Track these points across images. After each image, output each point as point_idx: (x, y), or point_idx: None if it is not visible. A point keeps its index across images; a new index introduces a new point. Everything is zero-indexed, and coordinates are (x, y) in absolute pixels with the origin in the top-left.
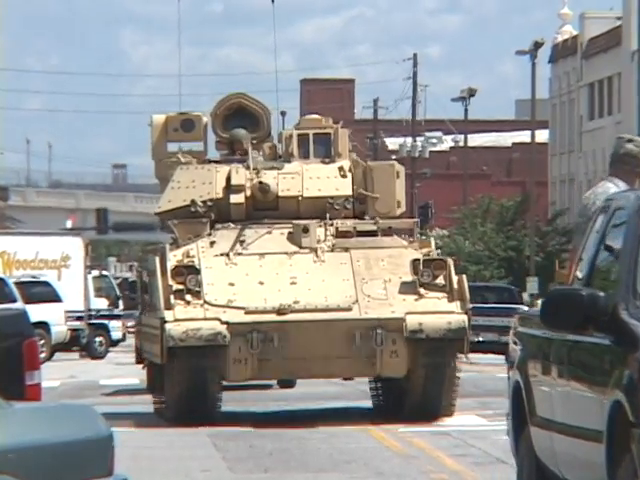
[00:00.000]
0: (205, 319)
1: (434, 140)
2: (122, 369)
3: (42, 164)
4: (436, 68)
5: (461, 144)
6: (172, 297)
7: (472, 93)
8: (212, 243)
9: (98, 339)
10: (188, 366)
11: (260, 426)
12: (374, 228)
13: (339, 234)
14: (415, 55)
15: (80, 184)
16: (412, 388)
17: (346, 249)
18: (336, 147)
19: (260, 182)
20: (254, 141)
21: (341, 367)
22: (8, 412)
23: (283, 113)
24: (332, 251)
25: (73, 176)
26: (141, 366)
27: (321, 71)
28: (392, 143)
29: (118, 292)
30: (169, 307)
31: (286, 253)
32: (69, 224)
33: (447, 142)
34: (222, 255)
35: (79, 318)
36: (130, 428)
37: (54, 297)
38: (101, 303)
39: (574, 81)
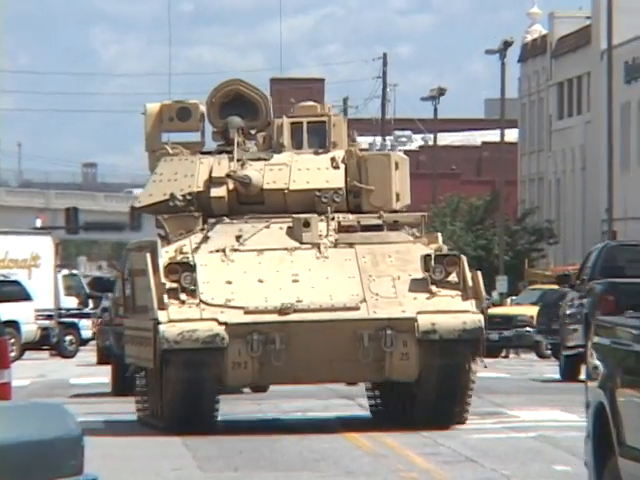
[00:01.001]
0: (202, 320)
1: (403, 139)
2: (92, 368)
3: (12, 163)
4: (406, 67)
5: (430, 143)
6: (165, 296)
7: (441, 92)
8: (206, 239)
9: (68, 338)
10: (183, 370)
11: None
12: (379, 222)
13: (341, 229)
14: (385, 54)
15: (50, 183)
16: (423, 393)
17: (350, 244)
18: (331, 136)
19: (227, 175)
20: (252, 130)
21: (347, 371)
22: None
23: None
24: (335, 247)
25: (43, 175)
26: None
27: (292, 70)
28: (361, 142)
29: (88, 291)
30: (162, 307)
31: (286, 249)
32: (39, 223)
33: (416, 141)
34: (218, 251)
35: (49, 317)
36: (101, 425)
37: (24, 296)
38: (71, 302)
39: (543, 80)
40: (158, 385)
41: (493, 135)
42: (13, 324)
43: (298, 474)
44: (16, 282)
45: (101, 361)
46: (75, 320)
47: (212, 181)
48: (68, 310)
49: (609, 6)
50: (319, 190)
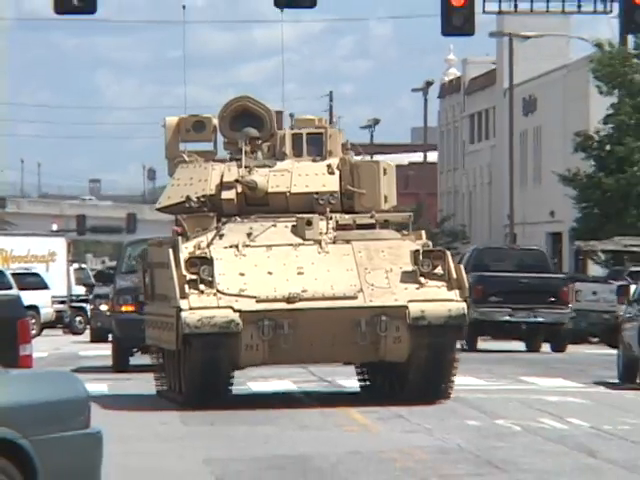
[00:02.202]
0: (218, 307)
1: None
2: (96, 344)
3: (33, 179)
4: (348, 102)
5: None
6: (186, 286)
7: (376, 122)
8: (221, 236)
9: (78, 318)
10: (202, 352)
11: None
12: (372, 221)
13: (339, 227)
14: (331, 92)
15: (63, 195)
16: (413, 372)
17: (347, 241)
18: (327, 146)
19: (236, 180)
20: (259, 141)
21: (347, 352)
22: (6, 377)
23: (291, 115)
24: (334, 243)
25: (57, 189)
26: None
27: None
28: None
29: (94, 281)
30: (184, 296)
31: (291, 245)
32: (55, 227)
33: None
34: (231, 247)
35: (62, 302)
36: (103, 389)
37: (42, 285)
38: (80, 290)
39: (458, 113)
40: (178, 365)
41: (417, 157)
42: (34, 308)
43: (262, 427)
44: (36, 274)
45: (94, 339)
46: (83, 304)
47: (223, 185)
48: (78, 296)
49: (510, 54)
50: (317, 193)
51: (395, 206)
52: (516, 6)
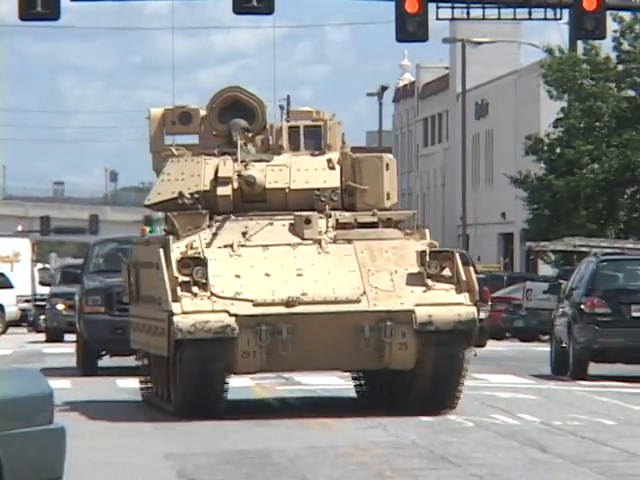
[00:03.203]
0: (213, 311)
1: None
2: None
3: None
4: (306, 106)
5: None
6: (179, 289)
7: None
8: (215, 235)
9: (42, 317)
10: (196, 359)
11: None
12: (374, 220)
13: (339, 226)
14: (288, 96)
15: (28, 197)
16: (419, 380)
17: (349, 240)
18: (326, 139)
19: (239, 175)
20: (250, 134)
21: (349, 359)
22: None
23: (281, 107)
24: (334, 242)
25: (22, 190)
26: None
27: None
28: None
29: (56, 281)
30: (176, 299)
31: (289, 244)
32: (19, 228)
33: None
34: (226, 247)
35: (27, 301)
36: (66, 384)
37: (7, 285)
38: (44, 289)
39: (412, 117)
40: (167, 372)
41: None
42: None
43: (222, 423)
44: (1, 274)
45: (49, 339)
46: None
47: (218, 181)
48: (42, 296)
49: (463, 59)
50: (318, 189)
51: (395, 203)
52: (468, 13)
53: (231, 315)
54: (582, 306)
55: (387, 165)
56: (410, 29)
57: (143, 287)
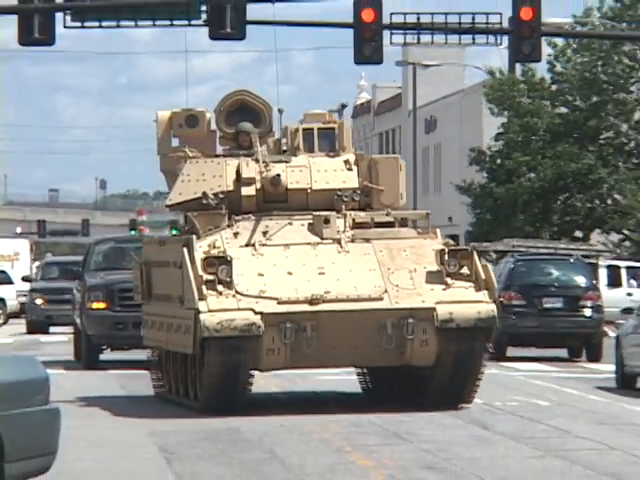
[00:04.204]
0: (239, 309)
1: None
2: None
3: (0, 188)
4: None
5: None
6: (204, 287)
7: None
8: (236, 234)
9: None
10: (222, 356)
11: None
12: (390, 219)
13: (356, 225)
14: None
15: (27, 202)
16: (439, 376)
17: (367, 240)
18: (340, 141)
19: (276, 175)
20: (255, 136)
21: (371, 356)
22: None
23: (280, 111)
24: (353, 242)
25: (22, 197)
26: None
27: None
28: None
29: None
30: (202, 298)
31: (310, 244)
32: (19, 230)
33: None
34: (248, 246)
35: (25, 295)
36: (61, 371)
37: (8, 281)
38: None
39: (368, 131)
40: (186, 369)
41: None
42: (1, 300)
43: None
44: (3, 271)
45: (30, 331)
46: None
47: (242, 181)
48: None
49: (414, 80)
50: (340, 190)
51: (405, 204)
52: (419, 39)
53: (256, 313)
54: (501, 299)
55: (400, 166)
56: (367, 53)
57: (157, 285)
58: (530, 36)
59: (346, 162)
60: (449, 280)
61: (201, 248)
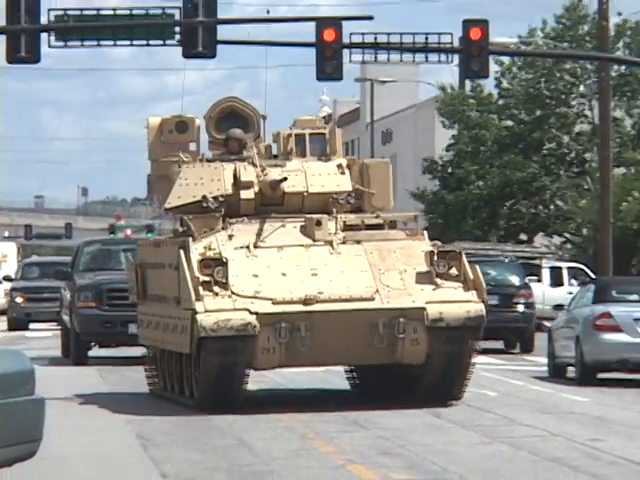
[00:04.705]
0: (234, 310)
1: None
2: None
3: None
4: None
5: None
6: (200, 288)
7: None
8: (230, 236)
9: None
10: (218, 355)
11: None
12: (380, 222)
13: (346, 227)
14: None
15: (14, 208)
16: (429, 374)
17: (358, 241)
18: (331, 145)
19: (283, 178)
20: (244, 142)
21: (363, 354)
22: None
23: (264, 117)
24: (344, 243)
25: (9, 203)
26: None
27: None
28: None
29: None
30: (199, 298)
31: (302, 245)
32: (6, 234)
33: None
34: (242, 248)
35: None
36: (50, 367)
37: None
38: None
39: None
40: (181, 368)
41: None
42: None
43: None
44: None
45: (11, 328)
46: None
47: (241, 184)
48: None
49: (371, 95)
50: (335, 193)
51: (392, 206)
52: (376, 57)
53: (252, 313)
54: None
55: (390, 170)
56: (328, 70)
57: (152, 286)
58: (479, 55)
59: (339, 166)
60: (438, 280)
61: (197, 250)
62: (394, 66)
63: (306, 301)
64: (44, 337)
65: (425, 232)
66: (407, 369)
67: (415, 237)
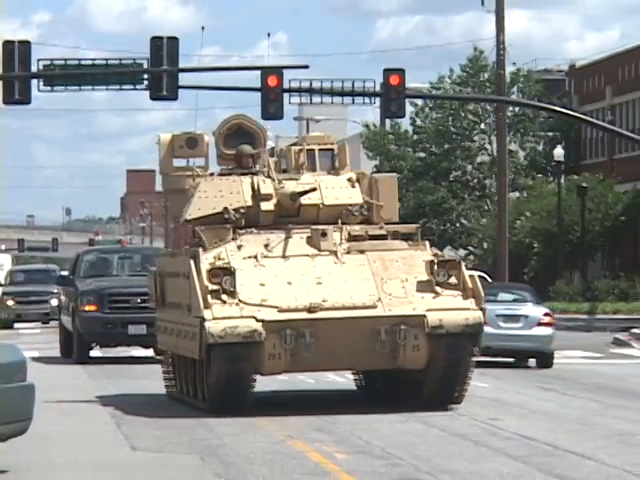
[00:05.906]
0: (241, 317)
1: None
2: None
3: None
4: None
5: None
6: (209, 297)
7: None
8: (239, 247)
9: None
10: (226, 361)
11: None
12: (384, 233)
13: (351, 238)
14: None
15: (8, 225)
16: (429, 379)
17: (362, 251)
18: (340, 160)
19: (312, 189)
20: (252, 157)
21: (366, 360)
22: None
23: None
24: (349, 253)
25: (5, 221)
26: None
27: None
28: None
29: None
30: (207, 306)
31: (308, 255)
32: (3, 247)
33: None
34: (250, 257)
35: None
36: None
37: None
38: None
39: None
40: (194, 372)
41: None
42: None
43: (164, 396)
44: None
45: (1, 327)
46: None
47: (260, 197)
48: None
49: (307, 131)
50: (350, 205)
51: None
52: (311, 99)
53: (258, 321)
54: None
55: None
56: (271, 110)
57: (169, 294)
58: (397, 98)
59: (349, 180)
60: (438, 289)
61: (207, 260)
62: (326, 107)
63: (311, 309)
64: (33, 334)
65: (427, 243)
66: (410, 372)
67: (417, 247)
